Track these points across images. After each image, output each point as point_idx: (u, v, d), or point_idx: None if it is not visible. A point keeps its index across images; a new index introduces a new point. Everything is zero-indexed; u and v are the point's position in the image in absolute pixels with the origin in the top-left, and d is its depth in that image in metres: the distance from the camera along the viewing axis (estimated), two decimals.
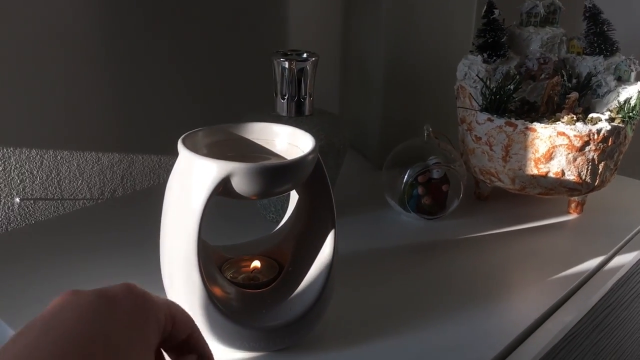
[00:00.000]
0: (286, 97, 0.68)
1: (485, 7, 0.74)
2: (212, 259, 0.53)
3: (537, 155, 0.70)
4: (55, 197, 0.80)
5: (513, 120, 0.69)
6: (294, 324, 0.50)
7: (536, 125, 0.69)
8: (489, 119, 0.71)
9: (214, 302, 0.47)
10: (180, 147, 0.48)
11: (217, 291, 0.50)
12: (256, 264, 0.54)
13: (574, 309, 0.59)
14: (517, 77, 0.72)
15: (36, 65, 0.72)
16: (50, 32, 0.72)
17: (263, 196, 0.48)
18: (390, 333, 0.54)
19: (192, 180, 0.46)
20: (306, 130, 0.65)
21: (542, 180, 0.71)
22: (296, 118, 0.69)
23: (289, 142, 0.53)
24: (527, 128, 0.69)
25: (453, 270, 0.65)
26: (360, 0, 0.88)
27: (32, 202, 0.78)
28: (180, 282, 0.48)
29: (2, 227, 0.74)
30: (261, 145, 0.53)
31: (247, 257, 0.55)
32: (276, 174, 0.47)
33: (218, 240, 0.57)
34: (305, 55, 0.68)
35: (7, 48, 0.69)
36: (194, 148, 0.48)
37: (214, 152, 0.51)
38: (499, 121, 0.70)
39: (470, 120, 0.73)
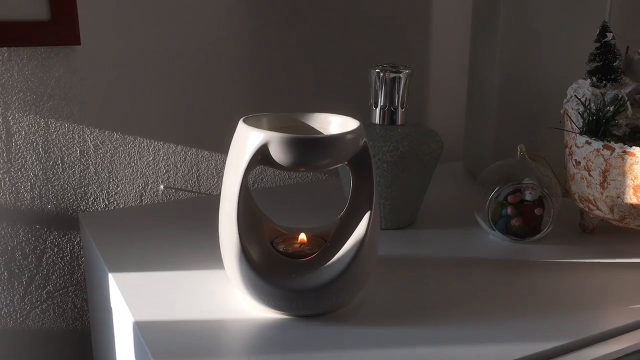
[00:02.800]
0: (378, 106, 0.73)
1: (598, 30, 0.72)
2: (261, 227, 0.59)
3: (637, 183, 0.65)
4: (194, 190, 0.92)
5: (612, 143, 0.66)
6: (317, 291, 0.54)
7: (635, 150, 0.64)
8: (587, 142, 0.68)
9: (246, 257, 0.53)
10: (240, 122, 0.56)
11: (255, 251, 0.56)
12: (302, 237, 0.59)
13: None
14: (622, 100, 0.68)
15: (185, 76, 0.87)
16: (199, 41, 0.86)
17: (303, 167, 0.54)
18: (422, 326, 0.55)
19: (238, 148, 0.54)
20: (391, 137, 0.69)
21: None
22: (387, 126, 0.73)
23: (341, 129, 0.58)
24: (624, 152, 0.65)
25: (519, 288, 0.63)
26: (481, 28, 0.90)
27: (174, 191, 0.91)
28: (224, 238, 0.55)
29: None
30: (318, 131, 0.59)
31: (297, 234, 0.61)
32: (309, 146, 0.52)
33: (297, 224, 0.64)
34: (400, 67, 0.72)
35: (168, 61, 0.84)
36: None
37: None
38: (597, 144, 0.67)
39: (571, 144, 0.71)
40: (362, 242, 0.54)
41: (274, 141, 0.52)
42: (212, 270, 0.64)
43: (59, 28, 0.76)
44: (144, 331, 0.53)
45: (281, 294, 0.54)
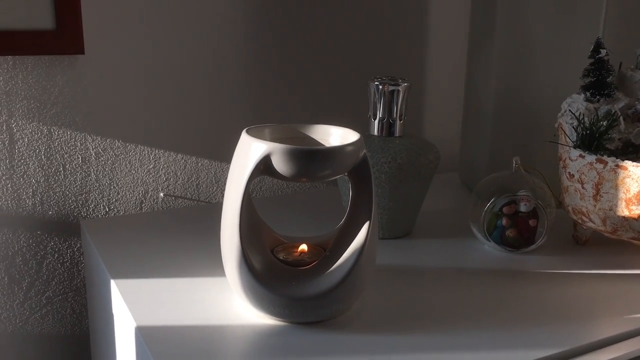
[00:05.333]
0: (377, 118, 0.74)
1: (592, 46, 0.73)
2: (262, 235, 0.61)
3: (629, 196, 0.67)
4: (193, 198, 0.94)
5: (605, 157, 0.68)
6: (316, 298, 0.55)
7: (627, 163, 0.66)
8: (581, 155, 0.70)
9: (247, 264, 0.54)
10: (243, 133, 0.57)
11: (256, 259, 0.57)
12: (303, 247, 0.61)
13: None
14: (615, 115, 0.70)
15: (185, 86, 0.88)
16: (200, 51, 0.87)
17: (304, 178, 0.55)
18: (418, 335, 0.57)
19: (241, 158, 0.55)
20: (389, 148, 0.71)
21: (634, 223, 0.67)
22: (385, 138, 0.74)
23: (341, 140, 0.59)
24: (617, 166, 0.67)
25: (513, 298, 0.64)
26: (477, 41, 0.92)
27: (173, 198, 0.92)
28: (226, 246, 0.56)
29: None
30: (319, 142, 0.60)
31: (298, 243, 0.62)
32: (310, 157, 0.53)
33: (296, 232, 0.66)
34: (398, 80, 0.74)
35: (166, 70, 0.86)
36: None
37: None
38: (590, 157, 0.69)
39: (565, 157, 0.72)
40: (361, 251, 0.56)
41: (277, 152, 0.53)
42: (212, 277, 0.66)
43: (63, 37, 0.78)
44: (146, 336, 0.55)
45: (281, 301, 0.55)
